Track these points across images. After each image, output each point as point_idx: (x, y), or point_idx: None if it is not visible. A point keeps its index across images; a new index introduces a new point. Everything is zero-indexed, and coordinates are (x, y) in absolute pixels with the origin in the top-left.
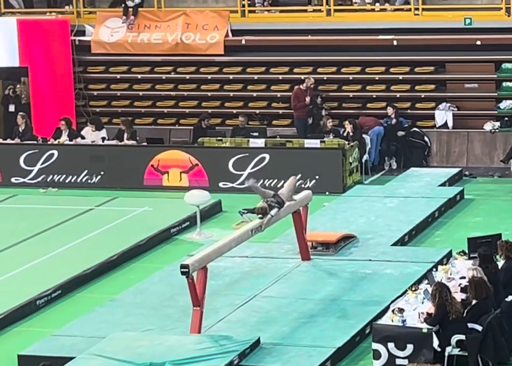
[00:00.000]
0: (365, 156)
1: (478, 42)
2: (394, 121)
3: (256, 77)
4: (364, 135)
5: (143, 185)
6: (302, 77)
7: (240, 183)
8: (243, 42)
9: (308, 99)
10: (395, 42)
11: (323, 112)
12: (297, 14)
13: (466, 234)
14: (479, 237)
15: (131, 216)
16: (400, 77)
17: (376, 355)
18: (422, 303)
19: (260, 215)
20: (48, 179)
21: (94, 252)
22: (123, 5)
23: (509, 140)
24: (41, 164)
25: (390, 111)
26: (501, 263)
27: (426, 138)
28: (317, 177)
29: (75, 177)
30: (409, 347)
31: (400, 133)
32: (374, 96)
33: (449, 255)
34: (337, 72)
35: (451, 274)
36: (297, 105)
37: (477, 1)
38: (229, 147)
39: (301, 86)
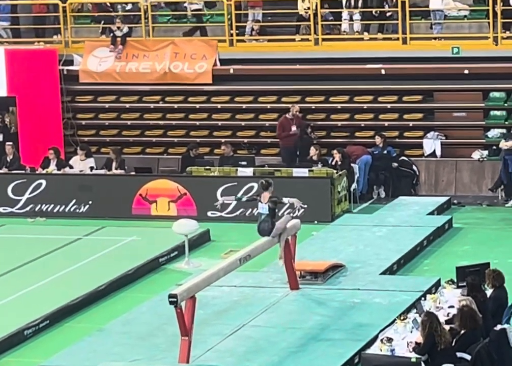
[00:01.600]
0: (354, 185)
1: (466, 71)
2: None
3: (244, 106)
4: (352, 164)
5: (132, 214)
6: (290, 105)
7: (228, 213)
8: (231, 71)
9: (294, 128)
10: (383, 71)
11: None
12: (286, 44)
13: (455, 263)
14: (468, 266)
15: (119, 245)
16: (388, 105)
17: None
18: (411, 332)
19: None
20: (36, 209)
21: (82, 281)
22: (111, 34)
23: (497, 168)
24: (30, 194)
25: (378, 140)
26: (489, 291)
27: (414, 167)
28: (305, 206)
29: (63, 207)
30: None
31: (394, 165)
32: (362, 125)
33: (437, 284)
34: (325, 101)
35: (439, 303)
36: (281, 135)
37: (464, 30)
38: (217, 176)
39: (287, 115)
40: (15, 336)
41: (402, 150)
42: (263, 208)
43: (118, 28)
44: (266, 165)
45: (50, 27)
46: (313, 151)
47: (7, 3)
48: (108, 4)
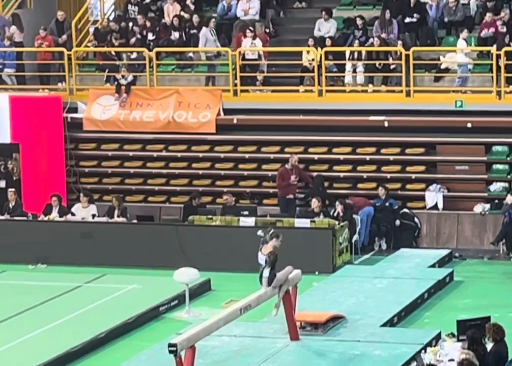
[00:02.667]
0: (355, 236)
1: (469, 125)
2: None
3: (247, 156)
4: (354, 216)
5: (133, 262)
6: (289, 156)
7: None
8: (235, 121)
9: (293, 178)
10: (386, 124)
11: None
12: (289, 94)
13: (456, 316)
14: (468, 319)
15: (120, 293)
16: (391, 157)
17: None
18: None
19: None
20: (37, 256)
21: (82, 329)
22: (116, 82)
23: (499, 222)
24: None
25: (381, 192)
26: (489, 345)
27: (416, 219)
28: (307, 256)
29: (65, 254)
30: None
31: (397, 223)
32: (364, 176)
33: (438, 337)
34: (328, 153)
35: (440, 356)
36: (281, 184)
37: (468, 84)
38: (219, 226)
39: (286, 165)
40: None
41: (404, 202)
42: (262, 259)
43: (123, 76)
44: (268, 216)
45: (55, 74)
46: (315, 203)
47: (12, 50)
48: (113, 52)
